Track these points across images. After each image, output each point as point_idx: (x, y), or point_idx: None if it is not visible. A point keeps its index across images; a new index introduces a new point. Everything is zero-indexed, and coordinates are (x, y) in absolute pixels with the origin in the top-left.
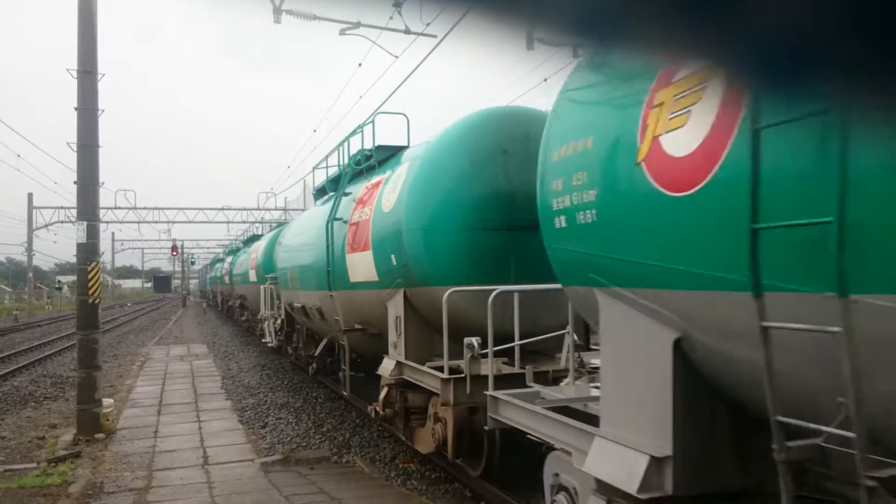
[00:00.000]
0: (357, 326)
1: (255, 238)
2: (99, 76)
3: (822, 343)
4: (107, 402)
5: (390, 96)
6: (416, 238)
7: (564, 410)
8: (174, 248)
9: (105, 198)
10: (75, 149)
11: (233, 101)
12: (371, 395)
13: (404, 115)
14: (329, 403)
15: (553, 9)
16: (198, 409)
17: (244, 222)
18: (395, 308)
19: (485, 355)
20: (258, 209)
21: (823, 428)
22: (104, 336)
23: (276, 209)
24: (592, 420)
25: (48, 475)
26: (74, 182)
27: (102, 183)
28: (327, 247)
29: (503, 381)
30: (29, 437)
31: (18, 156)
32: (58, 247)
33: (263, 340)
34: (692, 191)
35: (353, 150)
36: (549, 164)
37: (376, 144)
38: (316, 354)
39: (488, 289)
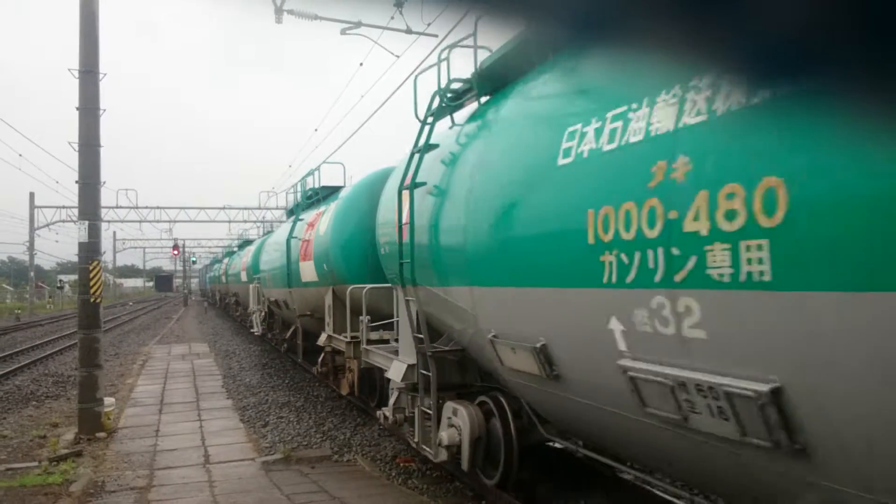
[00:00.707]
0: (307, 313)
1: (247, 242)
2: (100, 76)
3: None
4: (108, 400)
5: (391, 95)
6: (337, 253)
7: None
8: (176, 247)
9: (107, 197)
10: (77, 148)
11: (235, 100)
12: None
13: (342, 163)
14: (330, 402)
15: (552, 9)
16: (199, 408)
17: (246, 221)
18: (327, 299)
19: (374, 328)
20: (259, 208)
21: (420, 335)
22: (106, 335)
23: (277, 208)
24: None
25: (49, 474)
26: (76, 181)
27: (104, 182)
28: (287, 256)
29: (383, 343)
30: (30, 436)
31: (20, 155)
32: (59, 246)
33: (251, 330)
34: (406, 241)
35: (316, 183)
36: (378, 222)
37: (321, 185)
38: (287, 337)
39: (372, 287)
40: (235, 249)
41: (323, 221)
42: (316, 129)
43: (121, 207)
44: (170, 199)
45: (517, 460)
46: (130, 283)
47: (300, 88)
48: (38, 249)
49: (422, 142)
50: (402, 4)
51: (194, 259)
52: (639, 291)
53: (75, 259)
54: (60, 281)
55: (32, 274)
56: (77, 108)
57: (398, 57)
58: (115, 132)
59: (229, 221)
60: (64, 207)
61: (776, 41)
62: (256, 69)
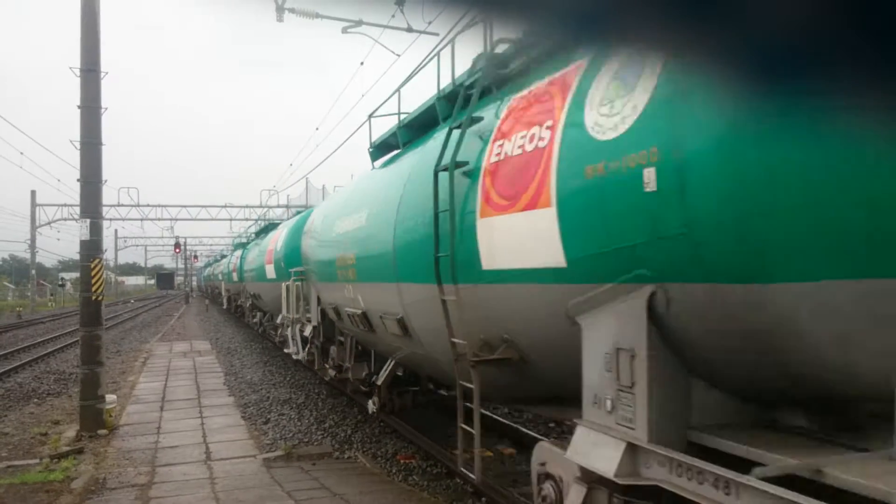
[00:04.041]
0: (236, 293)
1: (223, 256)
2: (102, 74)
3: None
4: (110, 398)
5: (392, 95)
6: (230, 277)
7: None
8: (177, 245)
9: (108, 195)
10: (78, 146)
11: (235, 99)
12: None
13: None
14: (331, 400)
15: (553, 8)
16: (200, 405)
17: (247, 220)
18: (243, 289)
19: None
20: (261, 206)
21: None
22: (107, 333)
23: (278, 206)
24: None
25: (51, 471)
26: (77, 179)
27: (105, 180)
28: (228, 269)
29: None
30: (32, 433)
31: (22, 153)
32: (61, 244)
33: (223, 307)
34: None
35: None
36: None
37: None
38: (234, 307)
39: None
40: (219, 258)
41: (235, 262)
42: (317, 128)
43: (122, 205)
44: (171, 198)
45: None
46: (132, 280)
47: (301, 88)
48: (39, 247)
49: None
50: (404, 3)
51: (196, 255)
52: None
53: (77, 257)
54: (62, 279)
55: (34, 272)
56: (78, 107)
57: (399, 56)
58: (117, 131)
59: (230, 220)
60: (66, 205)
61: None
62: (257, 68)
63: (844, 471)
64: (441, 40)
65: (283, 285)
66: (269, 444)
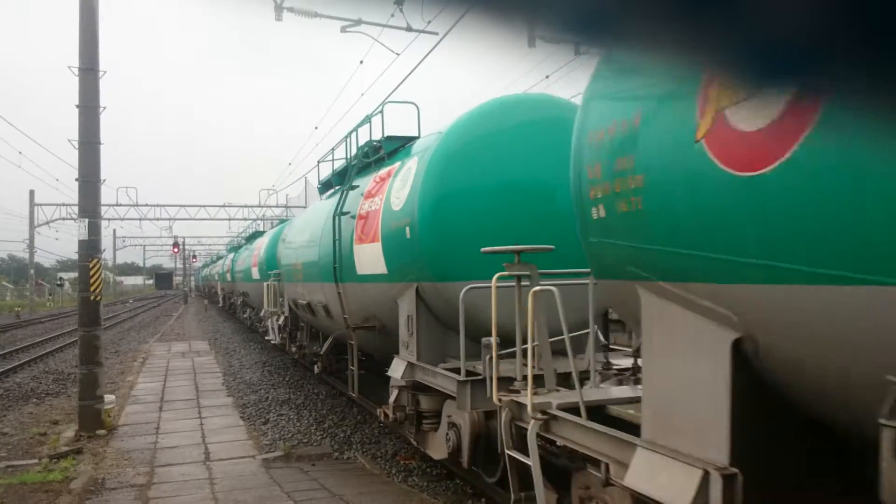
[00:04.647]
0: (229, 291)
1: (219, 257)
2: (100, 73)
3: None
4: (108, 398)
5: (392, 94)
6: (225, 279)
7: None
8: (175, 244)
9: (107, 195)
10: (77, 146)
11: (235, 99)
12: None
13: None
14: (330, 400)
15: (554, 7)
16: (199, 405)
17: (245, 219)
18: (235, 289)
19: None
20: (259, 206)
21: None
22: (106, 333)
23: (277, 206)
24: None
25: (50, 471)
26: (76, 179)
27: (104, 180)
28: (223, 271)
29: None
30: (31, 434)
31: (20, 153)
32: (59, 243)
33: (219, 305)
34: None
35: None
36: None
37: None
38: (229, 304)
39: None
40: (215, 259)
41: (228, 264)
42: (316, 127)
43: (121, 205)
44: (170, 197)
45: None
46: (130, 280)
47: (301, 87)
48: (37, 247)
49: None
50: (403, 2)
51: (194, 254)
52: None
53: (75, 257)
54: (60, 278)
55: (32, 271)
56: (77, 106)
57: (398, 55)
58: (115, 130)
59: (229, 219)
60: (64, 205)
61: (777, 39)
62: (257, 68)
63: (479, 366)
64: (440, 40)
65: (265, 284)
66: (269, 445)
